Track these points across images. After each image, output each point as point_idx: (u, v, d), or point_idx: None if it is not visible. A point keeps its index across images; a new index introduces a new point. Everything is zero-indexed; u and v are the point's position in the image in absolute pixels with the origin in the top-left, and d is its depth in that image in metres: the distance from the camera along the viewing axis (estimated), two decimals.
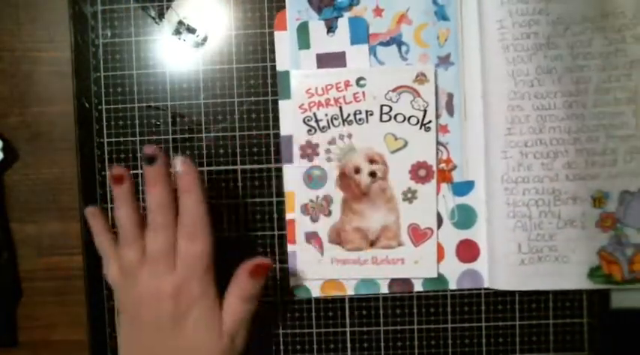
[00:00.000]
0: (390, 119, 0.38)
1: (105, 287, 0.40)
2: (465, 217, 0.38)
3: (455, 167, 0.38)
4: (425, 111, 0.37)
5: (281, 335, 0.40)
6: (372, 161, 0.38)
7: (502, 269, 0.37)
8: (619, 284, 0.37)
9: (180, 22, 0.38)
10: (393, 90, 0.37)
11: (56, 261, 0.41)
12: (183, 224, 0.33)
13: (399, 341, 0.39)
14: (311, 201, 0.38)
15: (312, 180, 0.38)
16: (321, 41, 0.38)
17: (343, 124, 0.38)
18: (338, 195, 0.38)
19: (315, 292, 0.39)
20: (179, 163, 0.32)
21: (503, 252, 0.37)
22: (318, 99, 0.38)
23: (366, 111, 0.38)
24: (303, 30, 0.38)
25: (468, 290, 0.39)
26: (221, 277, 0.34)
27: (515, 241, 0.37)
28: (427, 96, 0.37)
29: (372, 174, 0.38)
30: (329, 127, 0.38)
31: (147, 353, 0.33)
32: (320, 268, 0.39)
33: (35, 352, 0.41)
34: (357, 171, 0.38)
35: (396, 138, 0.38)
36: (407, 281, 0.39)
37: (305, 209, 0.38)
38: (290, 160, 0.38)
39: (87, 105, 0.40)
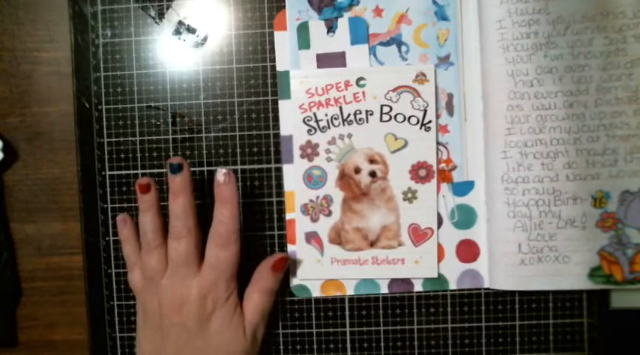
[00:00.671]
0: (390, 119, 0.38)
1: (105, 287, 0.40)
2: (465, 217, 0.38)
3: (455, 167, 0.38)
4: (425, 111, 0.37)
5: (281, 335, 0.40)
6: (372, 161, 0.38)
7: (502, 269, 0.37)
8: (619, 285, 0.37)
9: (180, 22, 0.38)
10: (393, 90, 0.37)
11: (56, 261, 0.41)
12: (217, 232, 0.34)
13: (399, 341, 0.39)
14: (311, 201, 0.38)
15: (312, 180, 0.38)
16: (321, 41, 0.38)
17: (343, 124, 0.38)
18: (338, 195, 0.38)
19: (315, 292, 0.39)
20: (222, 174, 0.34)
21: (503, 252, 0.37)
22: (318, 99, 0.38)
23: (366, 111, 0.38)
24: (303, 30, 0.38)
25: (468, 290, 0.39)
26: None
27: (515, 241, 0.37)
28: (427, 96, 0.37)
29: (372, 174, 0.38)
30: (329, 127, 0.38)
31: None
32: (320, 268, 0.39)
33: (35, 352, 0.41)
34: (357, 171, 0.38)
35: (396, 138, 0.38)
36: (407, 281, 0.39)
37: (305, 209, 0.38)
38: (290, 160, 0.38)
39: (87, 105, 0.40)
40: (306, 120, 0.38)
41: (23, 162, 0.40)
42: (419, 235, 0.38)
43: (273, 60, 0.38)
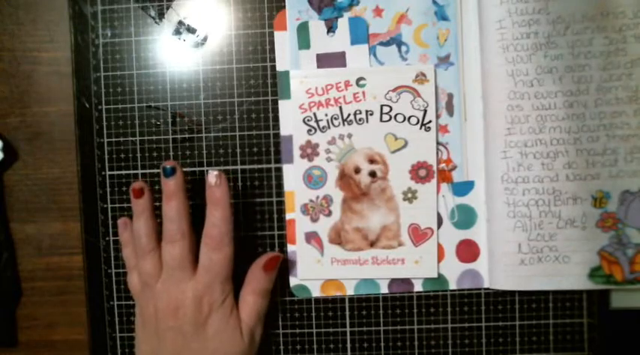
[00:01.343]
0: (390, 119, 0.38)
1: (105, 287, 0.40)
2: (465, 217, 0.38)
3: (455, 167, 0.38)
4: (425, 111, 0.37)
5: (281, 335, 0.40)
6: (372, 161, 0.38)
7: (502, 269, 0.37)
8: (620, 285, 0.37)
9: (180, 22, 0.38)
10: (393, 90, 0.37)
11: (56, 261, 0.41)
12: (210, 235, 0.34)
13: (399, 341, 0.39)
14: (311, 201, 0.38)
15: (312, 180, 0.38)
16: (321, 41, 0.38)
17: (343, 124, 0.38)
18: (338, 195, 0.38)
19: (315, 292, 0.39)
20: (214, 176, 0.34)
21: (503, 252, 0.37)
22: (318, 99, 0.38)
23: (366, 111, 0.38)
24: (303, 30, 0.38)
25: (468, 290, 0.39)
26: None
27: (515, 241, 0.37)
28: (427, 96, 0.37)
29: (372, 174, 0.38)
30: (329, 127, 0.38)
31: None
32: (320, 268, 0.39)
33: (35, 352, 0.41)
34: (357, 171, 0.38)
35: (396, 138, 0.38)
36: (407, 281, 0.39)
37: (305, 209, 0.38)
38: (290, 160, 0.38)
39: (87, 105, 0.40)
40: (306, 120, 0.38)
41: (23, 162, 0.40)
42: (419, 235, 0.38)
43: (273, 60, 0.38)
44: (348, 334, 0.39)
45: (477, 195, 0.38)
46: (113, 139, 0.39)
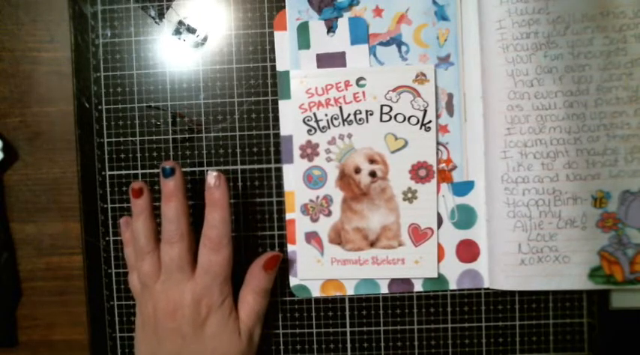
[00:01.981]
0: (390, 119, 0.38)
1: (105, 287, 0.40)
2: (465, 217, 0.38)
3: (455, 167, 0.38)
4: (425, 111, 0.37)
5: (281, 335, 0.40)
6: (372, 161, 0.38)
7: (502, 269, 0.37)
8: (620, 285, 0.37)
9: (180, 22, 0.38)
10: (393, 90, 0.37)
11: (56, 261, 0.41)
12: (209, 236, 0.34)
13: (399, 341, 0.39)
14: (311, 201, 0.38)
15: (312, 180, 0.38)
16: (321, 41, 0.38)
17: (343, 124, 0.38)
18: (338, 195, 0.38)
19: (315, 292, 0.39)
20: (213, 177, 0.34)
21: (503, 252, 0.37)
22: (318, 99, 0.38)
23: (366, 111, 0.38)
24: (303, 30, 0.38)
25: (468, 290, 0.39)
26: None
27: (515, 241, 0.37)
28: (427, 96, 0.37)
29: (372, 174, 0.38)
30: (329, 127, 0.38)
31: None
32: (320, 268, 0.39)
33: (35, 352, 0.41)
34: (357, 170, 0.38)
35: (396, 138, 0.38)
36: (407, 282, 0.39)
37: (305, 209, 0.38)
38: (290, 160, 0.38)
39: (87, 105, 0.40)
40: (306, 120, 0.38)
41: (23, 162, 0.41)
42: (419, 235, 0.38)
43: (273, 60, 0.38)
44: (348, 334, 0.39)
45: (476, 195, 0.38)
46: (113, 139, 0.39)
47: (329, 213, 0.38)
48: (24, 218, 0.41)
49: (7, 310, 0.41)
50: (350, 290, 0.39)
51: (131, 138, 0.39)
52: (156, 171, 0.39)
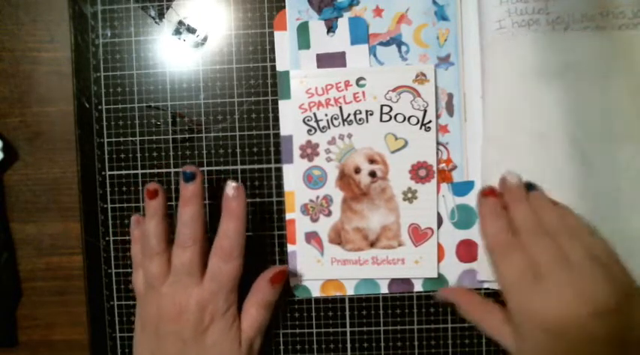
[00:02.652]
0: (390, 119, 0.38)
1: (105, 287, 0.40)
2: (465, 217, 0.38)
3: (455, 167, 0.38)
4: (425, 111, 0.37)
5: (281, 335, 0.40)
6: (372, 161, 0.38)
7: None
8: None
9: (180, 22, 0.38)
10: (393, 90, 0.37)
11: (56, 261, 0.41)
12: (221, 245, 0.34)
13: (399, 341, 0.39)
14: (311, 201, 0.38)
15: (312, 180, 0.38)
16: (321, 41, 0.38)
17: (343, 124, 0.38)
18: (338, 195, 0.38)
19: (315, 292, 0.39)
20: (232, 187, 0.34)
21: None
22: (318, 99, 0.38)
23: (366, 111, 0.38)
24: (303, 30, 0.38)
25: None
26: None
27: None
28: (427, 96, 0.37)
29: (372, 174, 0.38)
30: (329, 127, 0.38)
31: None
32: (320, 268, 0.39)
33: (35, 352, 0.41)
34: (357, 171, 0.38)
35: (396, 138, 0.38)
36: (407, 281, 0.39)
37: (305, 209, 0.38)
38: (290, 160, 0.38)
39: (87, 105, 0.40)
40: (306, 120, 0.38)
41: (23, 162, 0.40)
42: (419, 235, 0.38)
43: (273, 60, 0.39)
44: (348, 334, 0.39)
45: (476, 195, 0.38)
46: (113, 139, 0.39)
47: (329, 213, 0.38)
48: (24, 218, 0.41)
49: (7, 310, 0.41)
50: (350, 290, 0.39)
51: (131, 138, 0.39)
52: (156, 170, 0.39)
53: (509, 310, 0.32)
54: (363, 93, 0.38)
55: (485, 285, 0.38)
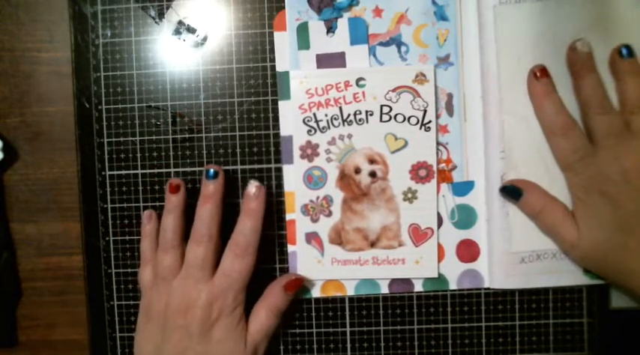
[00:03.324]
0: (390, 119, 0.38)
1: (105, 287, 0.40)
2: (465, 217, 0.38)
3: (455, 167, 0.38)
4: (425, 111, 0.37)
5: (281, 335, 0.40)
6: (372, 161, 0.38)
7: (502, 268, 0.37)
8: None
9: (180, 22, 0.38)
10: (393, 91, 0.37)
11: (56, 261, 0.41)
12: (236, 243, 0.35)
13: (399, 341, 0.39)
14: (311, 201, 0.38)
15: (313, 180, 0.38)
16: (321, 41, 0.38)
17: (343, 124, 0.38)
18: (338, 196, 0.38)
19: (315, 292, 0.39)
20: (254, 186, 0.35)
21: (503, 251, 0.37)
22: (318, 100, 0.38)
23: (366, 112, 0.38)
24: (302, 30, 0.38)
25: (468, 290, 0.39)
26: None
27: None
28: (427, 96, 0.37)
29: (372, 174, 0.38)
30: (329, 127, 0.38)
31: None
32: (320, 268, 0.39)
33: (35, 352, 0.41)
34: (357, 171, 0.38)
35: (396, 138, 0.38)
36: (407, 282, 0.39)
37: (305, 209, 0.38)
38: (290, 161, 0.38)
39: (87, 105, 0.40)
40: (306, 120, 0.38)
41: (23, 162, 0.40)
42: (419, 235, 0.38)
43: (273, 60, 0.39)
44: (348, 334, 0.39)
45: (476, 195, 0.38)
46: (113, 139, 0.39)
47: (329, 214, 0.38)
48: (24, 218, 0.41)
49: (7, 310, 0.41)
50: (350, 291, 0.39)
51: (131, 138, 0.39)
52: (156, 170, 0.39)
53: (573, 187, 0.35)
54: (363, 93, 0.38)
55: (486, 285, 0.39)
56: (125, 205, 0.40)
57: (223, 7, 0.39)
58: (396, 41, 0.38)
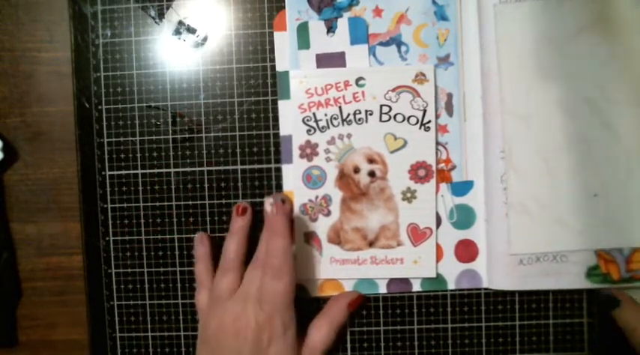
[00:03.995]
0: (389, 119, 0.38)
1: (105, 287, 0.40)
2: (464, 217, 0.38)
3: (454, 167, 0.38)
4: (424, 111, 0.37)
5: None
6: (371, 161, 0.38)
7: (501, 269, 0.37)
8: (616, 283, 0.37)
9: (180, 22, 0.39)
10: (393, 90, 0.37)
11: (56, 261, 0.41)
12: (271, 264, 0.34)
13: (399, 341, 0.39)
14: (310, 200, 0.38)
15: (312, 180, 0.38)
16: (321, 41, 0.38)
17: (343, 124, 0.38)
18: (337, 195, 0.38)
19: (314, 292, 0.39)
20: (268, 204, 0.34)
21: (502, 252, 0.37)
22: (318, 99, 0.38)
23: (366, 111, 0.38)
24: (302, 30, 0.38)
25: (468, 290, 0.39)
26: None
27: None
28: (426, 96, 0.37)
29: (372, 174, 0.38)
30: (328, 127, 0.38)
31: None
32: (319, 268, 0.39)
33: (35, 352, 0.41)
34: (357, 170, 0.38)
35: (395, 138, 0.38)
36: (405, 281, 0.39)
37: (304, 209, 0.38)
38: (289, 160, 0.38)
39: (87, 105, 0.40)
40: (305, 120, 0.38)
41: (23, 162, 0.41)
42: (418, 235, 0.38)
43: (273, 60, 0.39)
44: (348, 334, 0.39)
45: (475, 195, 0.38)
46: (113, 139, 0.40)
47: (328, 213, 0.38)
48: (24, 218, 0.41)
49: (7, 310, 0.41)
50: (348, 290, 0.39)
51: (131, 138, 0.39)
52: (156, 170, 0.39)
53: None
54: (363, 93, 0.38)
55: (484, 285, 0.38)
56: (125, 205, 0.40)
57: (223, 7, 0.39)
58: (396, 41, 0.38)
